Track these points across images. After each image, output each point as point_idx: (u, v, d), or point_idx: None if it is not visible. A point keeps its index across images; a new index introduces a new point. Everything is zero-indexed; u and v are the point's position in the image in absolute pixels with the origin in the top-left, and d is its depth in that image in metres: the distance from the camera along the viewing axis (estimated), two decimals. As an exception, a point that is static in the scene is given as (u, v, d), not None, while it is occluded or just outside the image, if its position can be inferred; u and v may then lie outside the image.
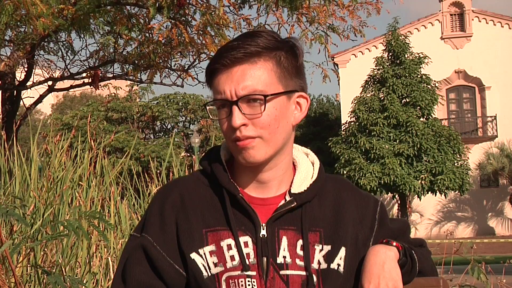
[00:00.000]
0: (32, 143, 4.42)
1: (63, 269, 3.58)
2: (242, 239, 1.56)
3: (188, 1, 8.72)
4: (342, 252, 1.60)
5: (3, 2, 7.11)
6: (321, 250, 1.58)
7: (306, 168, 1.66)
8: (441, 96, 32.18)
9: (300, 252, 1.57)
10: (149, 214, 1.66)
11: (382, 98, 29.96)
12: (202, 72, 11.01)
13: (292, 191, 1.60)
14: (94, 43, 11.26)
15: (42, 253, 3.73)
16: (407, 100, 29.82)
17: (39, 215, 3.79)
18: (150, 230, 1.63)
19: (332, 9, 9.64)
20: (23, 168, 4.26)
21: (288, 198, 1.60)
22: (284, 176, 1.62)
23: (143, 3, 8.91)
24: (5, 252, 2.82)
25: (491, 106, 35.61)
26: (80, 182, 4.41)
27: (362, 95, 30.55)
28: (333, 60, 29.98)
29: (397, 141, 29.40)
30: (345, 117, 33.37)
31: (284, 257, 1.56)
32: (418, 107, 29.82)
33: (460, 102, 36.79)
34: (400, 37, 30.36)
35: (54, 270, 3.49)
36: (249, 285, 1.53)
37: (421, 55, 30.33)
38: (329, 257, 1.59)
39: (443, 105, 34.17)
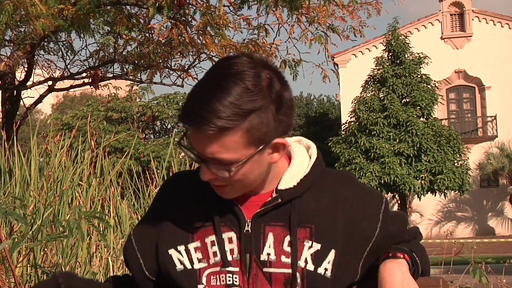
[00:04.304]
0: (32, 143, 4.42)
1: (63, 269, 3.58)
2: (227, 235, 1.54)
3: (188, 1, 8.72)
4: (331, 255, 1.54)
5: (3, 2, 7.11)
6: (310, 247, 1.53)
7: (300, 163, 1.60)
8: (441, 96, 32.19)
9: (287, 248, 1.53)
10: (149, 207, 1.72)
11: (382, 98, 29.97)
12: (202, 72, 11.03)
13: (279, 187, 1.56)
14: (94, 43, 11.28)
15: (42, 253, 3.73)
16: (407, 100, 29.83)
17: (39, 215, 3.79)
18: (137, 226, 1.70)
19: (332, 9, 9.64)
20: (23, 168, 4.26)
21: (274, 194, 1.55)
22: (273, 178, 1.57)
23: (143, 3, 8.91)
24: (5, 252, 2.82)
25: (491, 106, 35.61)
26: (80, 182, 4.41)
27: (362, 95, 30.57)
28: (333, 60, 29.97)
29: (397, 140, 29.41)
30: (345, 117, 33.37)
31: (268, 254, 1.53)
32: (418, 107, 29.83)
33: (460, 102, 36.80)
34: (400, 37, 30.37)
35: (54, 270, 3.49)
36: (229, 280, 1.53)
37: (421, 55, 30.34)
38: (317, 258, 1.53)
39: (443, 105, 34.18)
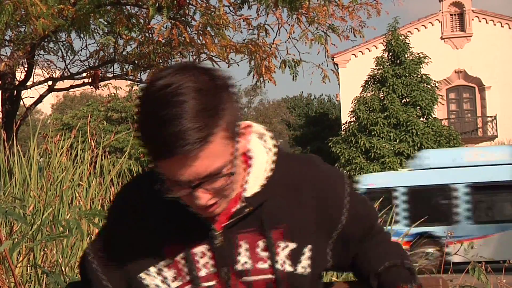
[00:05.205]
0: (32, 143, 4.42)
1: (63, 269, 3.58)
2: (199, 250, 1.47)
3: (188, 1, 8.72)
4: (308, 251, 1.49)
5: (3, 2, 7.11)
6: (285, 248, 1.47)
7: (260, 162, 1.49)
8: (441, 96, 32.19)
9: (262, 253, 1.47)
10: (105, 224, 1.60)
11: (382, 98, 29.97)
12: (202, 72, 11.00)
13: (247, 194, 1.46)
14: (94, 43, 11.28)
15: (42, 253, 3.73)
16: (407, 100, 29.84)
17: (39, 215, 3.79)
18: (95, 244, 1.59)
19: (332, 9, 9.65)
20: (23, 168, 4.26)
21: (242, 203, 1.46)
22: (236, 180, 1.45)
23: (143, 3, 8.92)
24: (4, 252, 2.82)
25: (491, 106, 35.62)
26: (80, 182, 4.41)
27: (362, 95, 30.57)
28: (333, 60, 29.98)
29: (397, 140, 29.41)
30: (345, 117, 33.37)
31: (244, 263, 1.47)
32: (418, 107, 29.85)
33: (460, 102, 36.80)
34: (400, 37, 30.38)
35: (54, 270, 3.49)
36: None
37: (421, 55, 30.34)
38: (294, 258, 1.48)
39: (443, 105, 34.17)
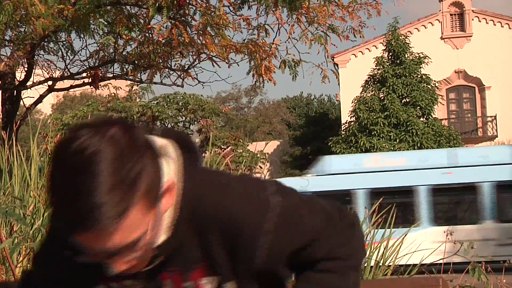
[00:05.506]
0: (32, 143, 4.42)
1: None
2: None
3: (188, 1, 8.73)
4: (232, 286, 1.40)
5: (3, 2, 7.11)
6: (209, 284, 1.39)
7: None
8: (441, 96, 32.21)
9: None
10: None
11: (382, 98, 29.99)
12: (202, 72, 11.01)
13: (157, 242, 1.33)
14: (94, 43, 11.27)
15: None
16: (407, 100, 29.86)
17: (39, 215, 3.79)
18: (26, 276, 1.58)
19: (332, 9, 9.64)
20: (23, 168, 4.26)
21: (153, 253, 1.34)
22: None
23: (143, 3, 8.92)
24: (5, 252, 2.82)
25: (491, 106, 35.62)
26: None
27: (362, 95, 30.60)
28: (333, 60, 29.98)
29: (397, 140, 29.43)
30: (345, 117, 33.39)
31: None
32: (418, 107, 29.87)
33: (460, 102, 36.81)
34: (400, 37, 30.39)
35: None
36: None
37: (421, 55, 30.37)
38: None
39: (443, 105, 34.18)
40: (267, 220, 1.35)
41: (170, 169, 1.34)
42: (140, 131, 1.27)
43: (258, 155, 32.43)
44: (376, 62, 30.50)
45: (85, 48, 10.98)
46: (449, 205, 18.29)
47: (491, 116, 35.65)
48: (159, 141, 1.36)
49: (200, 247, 1.37)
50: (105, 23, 9.23)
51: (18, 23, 8.48)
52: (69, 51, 11.16)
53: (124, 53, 10.56)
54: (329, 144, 31.08)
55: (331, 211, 1.44)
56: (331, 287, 1.42)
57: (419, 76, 30.14)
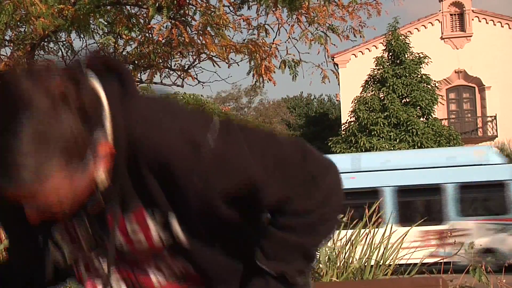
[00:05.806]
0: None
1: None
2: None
3: (188, 1, 8.73)
4: (174, 220, 1.32)
5: (3, 2, 7.12)
6: (151, 219, 1.34)
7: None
8: (441, 96, 32.22)
9: (135, 227, 1.35)
10: None
11: (382, 98, 30.01)
12: (202, 72, 11.01)
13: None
14: (94, 43, 11.28)
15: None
16: (407, 100, 29.88)
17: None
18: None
19: (332, 9, 9.65)
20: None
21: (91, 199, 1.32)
22: None
23: (143, 3, 8.92)
24: (5, 252, 2.82)
25: (491, 106, 35.64)
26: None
27: (362, 95, 30.61)
28: (333, 60, 30.00)
29: (397, 140, 29.44)
30: (345, 117, 33.40)
31: (118, 239, 1.35)
32: (418, 107, 29.89)
33: (460, 102, 36.83)
34: (400, 37, 30.41)
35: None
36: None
37: (421, 55, 30.38)
38: (166, 228, 1.33)
39: (443, 105, 34.20)
40: (197, 157, 1.27)
41: (106, 125, 1.28)
42: (59, 79, 1.24)
43: (258, 155, 32.44)
44: (376, 62, 30.51)
45: (85, 48, 10.99)
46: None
47: (491, 116, 35.66)
48: (96, 88, 1.31)
49: (136, 184, 1.31)
50: (105, 23, 9.24)
51: (18, 23, 8.48)
52: (69, 51, 11.17)
53: (124, 53, 10.56)
54: (329, 144, 31.09)
55: (288, 159, 1.32)
56: (291, 247, 1.32)
57: (419, 76, 30.16)
